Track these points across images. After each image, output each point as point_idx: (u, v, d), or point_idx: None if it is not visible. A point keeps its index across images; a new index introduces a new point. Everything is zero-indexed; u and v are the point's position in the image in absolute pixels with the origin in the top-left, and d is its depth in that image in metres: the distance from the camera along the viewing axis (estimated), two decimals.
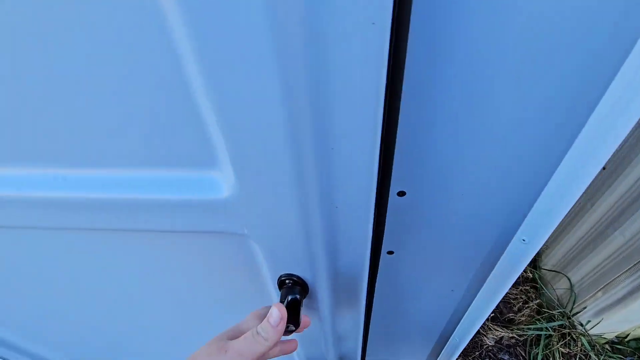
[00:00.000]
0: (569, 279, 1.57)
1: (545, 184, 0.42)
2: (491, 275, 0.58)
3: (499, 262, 0.55)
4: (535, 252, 0.50)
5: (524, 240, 0.49)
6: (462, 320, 0.72)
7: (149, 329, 0.73)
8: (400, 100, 0.33)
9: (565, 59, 0.31)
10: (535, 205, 0.44)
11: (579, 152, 0.38)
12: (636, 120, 0.32)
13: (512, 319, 1.63)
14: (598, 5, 0.27)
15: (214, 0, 0.22)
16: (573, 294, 1.54)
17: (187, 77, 0.28)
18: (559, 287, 1.63)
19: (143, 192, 0.37)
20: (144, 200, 0.38)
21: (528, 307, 1.64)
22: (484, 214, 0.49)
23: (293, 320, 0.44)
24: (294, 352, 0.77)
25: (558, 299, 1.63)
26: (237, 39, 0.24)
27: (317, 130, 0.29)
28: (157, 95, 0.30)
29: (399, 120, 0.36)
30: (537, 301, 1.67)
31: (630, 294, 1.31)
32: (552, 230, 0.45)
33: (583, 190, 0.40)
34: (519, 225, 0.48)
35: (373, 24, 0.23)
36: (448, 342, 0.82)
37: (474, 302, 0.67)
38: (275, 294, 0.54)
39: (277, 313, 0.39)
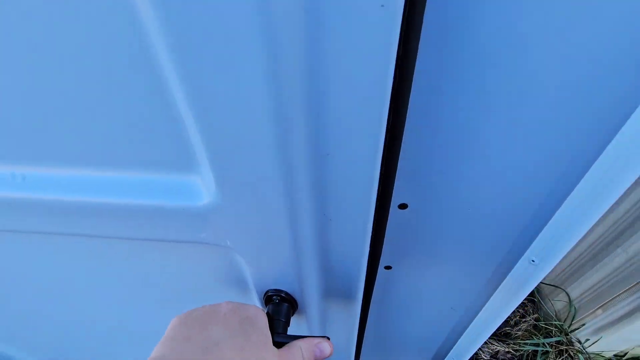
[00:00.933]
0: (568, 294, 1.53)
1: (561, 203, 0.38)
2: (494, 295, 0.54)
3: (504, 281, 0.51)
4: (545, 274, 0.46)
5: (533, 261, 0.45)
6: (460, 340, 0.68)
7: (129, 337, 0.69)
8: (407, 103, 0.29)
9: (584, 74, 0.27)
10: (548, 224, 0.40)
11: (600, 170, 0.34)
12: None
13: (509, 333, 1.59)
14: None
15: None
16: (572, 309, 1.51)
17: (159, 67, 0.24)
18: (558, 302, 1.59)
19: (115, 196, 0.33)
20: (117, 205, 0.33)
21: (525, 321, 1.60)
22: (491, 231, 0.45)
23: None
24: None
25: (556, 314, 1.59)
26: (218, 15, 0.19)
27: (310, 131, 0.25)
28: (129, 91, 0.26)
29: (405, 126, 0.32)
30: (535, 315, 1.63)
31: (630, 314, 1.27)
32: (565, 253, 0.41)
33: (602, 214, 0.36)
34: (529, 244, 0.44)
35: (382, 6, 0.19)
36: None
37: (474, 321, 0.63)
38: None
39: (328, 351, 0.38)
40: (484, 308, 0.58)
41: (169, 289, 0.50)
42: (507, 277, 0.50)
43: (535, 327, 1.60)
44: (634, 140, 0.30)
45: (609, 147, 0.31)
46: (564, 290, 1.56)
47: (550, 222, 0.40)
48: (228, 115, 0.24)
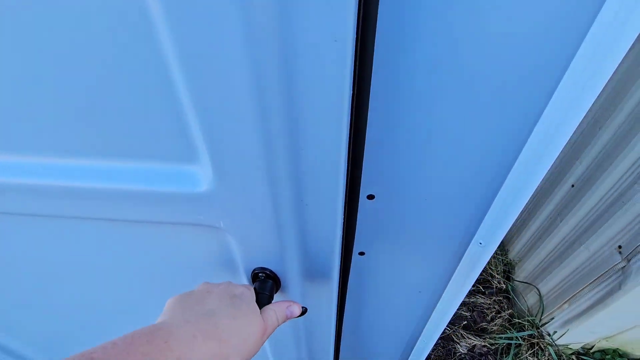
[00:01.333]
0: (538, 291, 1.63)
1: (496, 195, 0.46)
2: (453, 276, 0.62)
3: (459, 264, 0.59)
4: (491, 254, 0.54)
5: (480, 243, 0.53)
6: (427, 323, 0.76)
7: (117, 316, 0.74)
8: (367, 109, 0.37)
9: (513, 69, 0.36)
10: (489, 212, 0.48)
11: (521, 169, 0.42)
12: (570, 134, 0.37)
13: (485, 328, 1.68)
14: None
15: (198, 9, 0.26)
16: (542, 305, 1.61)
17: (171, 77, 0.31)
18: (530, 299, 1.69)
19: (125, 183, 0.40)
20: (125, 190, 0.40)
21: (500, 316, 1.70)
22: (446, 219, 0.54)
23: None
24: (268, 351, 0.79)
25: (528, 310, 1.69)
26: (216, 44, 0.27)
27: (288, 131, 0.33)
28: (140, 90, 0.33)
29: (367, 128, 0.40)
30: (509, 311, 1.73)
31: (592, 307, 1.38)
32: (504, 234, 0.50)
33: (526, 202, 0.44)
34: (477, 229, 0.52)
35: (335, 41, 0.27)
36: (416, 345, 0.86)
37: (438, 303, 0.71)
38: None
39: (298, 312, 0.46)
40: (445, 290, 0.66)
41: (164, 270, 0.57)
42: (462, 260, 0.58)
43: (509, 322, 1.70)
44: (543, 141, 0.39)
45: (524, 148, 0.40)
46: (535, 287, 1.66)
47: (490, 209, 0.48)
48: (224, 118, 0.31)
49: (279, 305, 0.44)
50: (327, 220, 0.44)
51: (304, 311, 0.48)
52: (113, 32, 0.29)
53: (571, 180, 1.49)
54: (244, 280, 0.53)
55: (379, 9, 0.29)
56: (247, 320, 0.38)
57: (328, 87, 0.30)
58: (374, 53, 0.32)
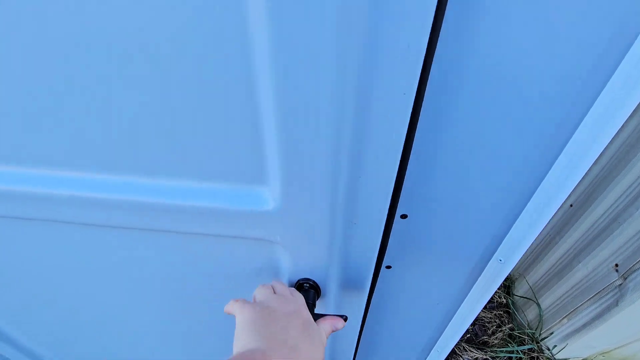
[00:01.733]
0: (539, 305, 1.69)
1: (519, 215, 0.52)
2: (471, 290, 0.68)
3: (479, 278, 0.64)
4: (509, 271, 0.60)
5: (500, 260, 0.59)
6: (442, 334, 0.81)
7: (156, 326, 0.78)
8: (412, 144, 0.43)
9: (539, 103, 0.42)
10: (511, 230, 0.54)
11: (544, 192, 0.49)
12: (595, 157, 0.43)
13: (487, 341, 1.73)
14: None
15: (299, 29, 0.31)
16: (541, 319, 1.66)
17: (261, 116, 0.37)
18: (530, 313, 1.75)
19: (202, 201, 0.45)
20: (201, 207, 0.46)
21: (501, 330, 1.75)
22: (471, 237, 0.59)
23: None
24: None
25: (528, 324, 1.74)
26: (311, 98, 0.33)
27: (351, 163, 0.39)
28: (227, 120, 0.39)
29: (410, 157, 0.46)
30: (510, 325, 1.78)
31: (591, 322, 1.44)
32: (523, 252, 0.56)
33: (547, 221, 0.51)
34: (497, 247, 0.58)
35: (404, 94, 0.33)
36: (429, 355, 0.91)
37: (454, 316, 0.76)
38: None
39: (341, 325, 0.49)
40: (462, 303, 0.72)
41: (212, 279, 0.62)
42: (481, 275, 0.64)
43: (510, 335, 1.74)
44: (569, 165, 0.45)
45: (550, 171, 0.46)
46: (536, 302, 1.72)
47: (512, 229, 0.54)
48: (304, 151, 0.37)
49: (328, 323, 0.48)
50: (370, 238, 0.50)
51: (345, 319, 0.53)
52: (206, 63, 0.35)
53: (570, 201, 1.57)
54: None
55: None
56: (318, 349, 0.42)
57: (391, 131, 0.36)
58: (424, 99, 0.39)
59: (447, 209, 0.55)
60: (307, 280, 0.55)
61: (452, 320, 0.78)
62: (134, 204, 0.46)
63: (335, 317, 0.51)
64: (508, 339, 1.73)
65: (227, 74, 0.34)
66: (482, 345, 1.72)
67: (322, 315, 0.51)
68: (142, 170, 0.44)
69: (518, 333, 1.73)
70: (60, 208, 0.49)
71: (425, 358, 0.92)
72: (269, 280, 0.60)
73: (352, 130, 0.36)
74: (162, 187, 0.44)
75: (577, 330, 1.49)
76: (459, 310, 0.74)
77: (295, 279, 0.55)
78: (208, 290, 0.63)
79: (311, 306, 0.53)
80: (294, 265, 0.53)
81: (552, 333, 1.61)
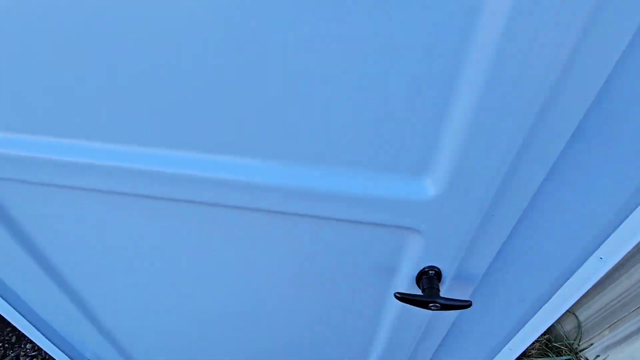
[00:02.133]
0: (576, 317, 1.72)
1: (629, 215, 0.58)
2: (563, 287, 0.73)
3: (573, 275, 0.70)
4: (609, 269, 0.65)
5: (601, 258, 0.64)
6: (522, 329, 0.86)
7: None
8: None
9: None
10: (617, 229, 0.60)
11: None
12: None
13: (525, 351, 1.75)
14: None
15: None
16: (580, 330, 1.69)
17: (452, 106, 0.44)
18: (567, 324, 1.78)
19: (358, 188, 0.52)
20: (357, 194, 0.52)
21: (538, 340, 1.77)
22: (570, 237, 0.65)
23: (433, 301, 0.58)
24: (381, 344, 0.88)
25: (566, 335, 1.77)
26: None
27: (515, 159, 0.46)
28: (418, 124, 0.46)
29: None
30: (547, 336, 1.80)
31: (633, 334, 1.47)
32: (628, 250, 0.61)
33: None
34: (598, 247, 0.64)
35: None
36: (500, 352, 0.95)
37: (537, 313, 0.81)
38: (387, 285, 0.67)
39: None
40: (549, 301, 0.77)
41: (341, 265, 0.67)
42: (577, 272, 0.69)
43: (547, 346, 1.77)
44: None
45: None
46: (573, 314, 1.75)
47: (619, 229, 0.60)
48: (486, 148, 0.44)
49: None
50: (501, 230, 0.56)
51: (470, 305, 0.59)
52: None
53: None
54: (403, 279, 0.64)
55: None
56: None
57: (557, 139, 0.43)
58: None
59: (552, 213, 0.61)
60: (432, 267, 0.61)
61: (530, 320, 0.83)
62: (304, 191, 0.53)
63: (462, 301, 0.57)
64: (545, 348, 1.76)
65: (435, 76, 0.41)
66: (521, 355, 1.74)
67: (449, 300, 0.57)
68: (320, 159, 0.51)
69: (556, 344, 1.75)
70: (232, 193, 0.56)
71: (496, 356, 0.97)
72: (389, 267, 0.66)
73: (530, 132, 0.42)
74: (329, 175, 0.51)
75: (619, 342, 1.52)
76: (542, 307, 0.79)
77: (422, 266, 0.61)
78: (330, 280, 0.69)
79: (437, 291, 0.59)
80: (425, 254, 0.59)
81: (592, 344, 1.64)
